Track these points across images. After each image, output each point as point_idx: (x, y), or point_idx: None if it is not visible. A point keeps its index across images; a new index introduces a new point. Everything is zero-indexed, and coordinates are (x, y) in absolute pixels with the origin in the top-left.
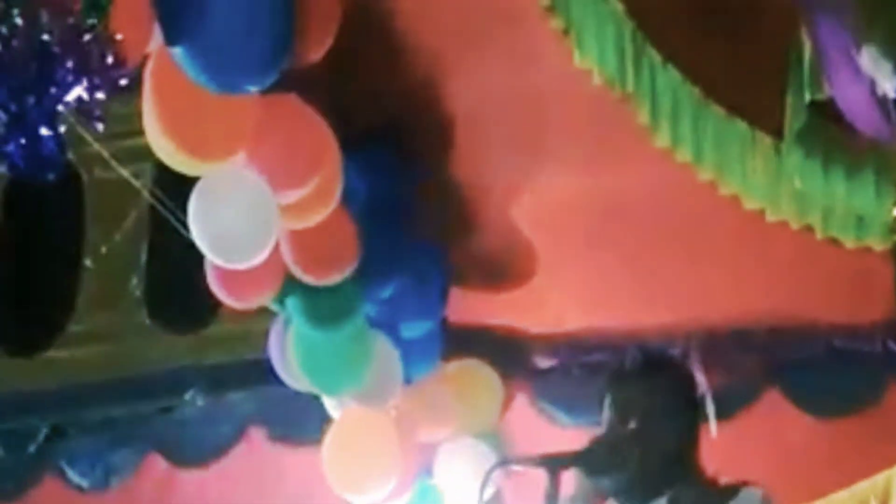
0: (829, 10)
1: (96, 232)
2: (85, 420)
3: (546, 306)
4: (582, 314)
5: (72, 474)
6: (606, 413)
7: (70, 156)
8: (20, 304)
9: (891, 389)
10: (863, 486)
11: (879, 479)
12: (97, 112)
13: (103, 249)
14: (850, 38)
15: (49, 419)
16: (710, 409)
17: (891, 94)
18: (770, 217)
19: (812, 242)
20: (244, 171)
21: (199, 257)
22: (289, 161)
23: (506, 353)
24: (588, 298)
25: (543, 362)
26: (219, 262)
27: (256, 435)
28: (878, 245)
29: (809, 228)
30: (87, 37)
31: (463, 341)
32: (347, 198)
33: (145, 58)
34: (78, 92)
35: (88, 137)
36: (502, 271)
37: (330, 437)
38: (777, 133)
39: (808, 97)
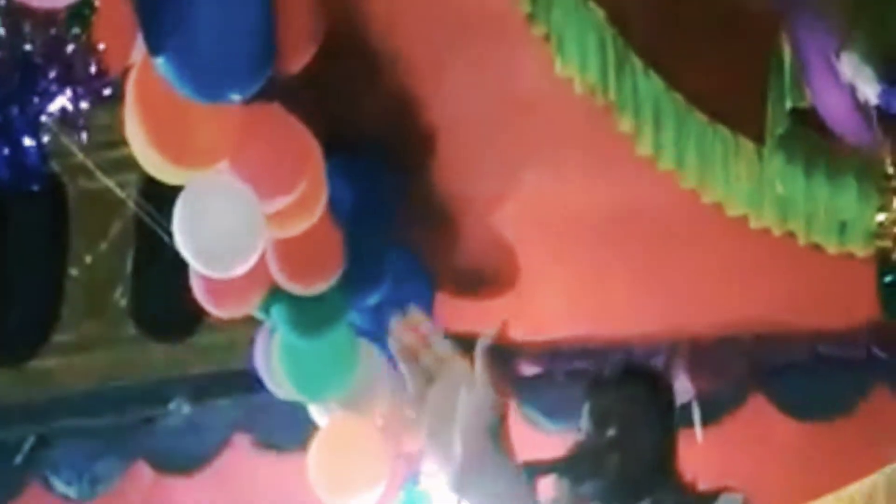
0: (809, 17)
1: (81, 242)
2: (70, 429)
3: (531, 314)
4: (566, 321)
5: (58, 484)
6: (585, 421)
7: (55, 166)
8: (4, 314)
9: (875, 394)
10: (849, 491)
11: (865, 482)
12: (81, 122)
13: (88, 259)
14: (830, 45)
15: (34, 429)
16: (696, 414)
17: (871, 101)
18: (753, 223)
19: (795, 248)
20: (229, 179)
21: (184, 267)
22: (273, 169)
23: (491, 359)
24: (572, 306)
25: (528, 369)
26: (204, 271)
27: (242, 443)
28: (861, 251)
29: (792, 234)
30: (69, 47)
31: None
32: (332, 206)
33: (128, 68)
34: (61, 102)
35: (72, 147)
36: (487, 279)
37: (316, 445)
38: (759, 139)
39: (789, 104)
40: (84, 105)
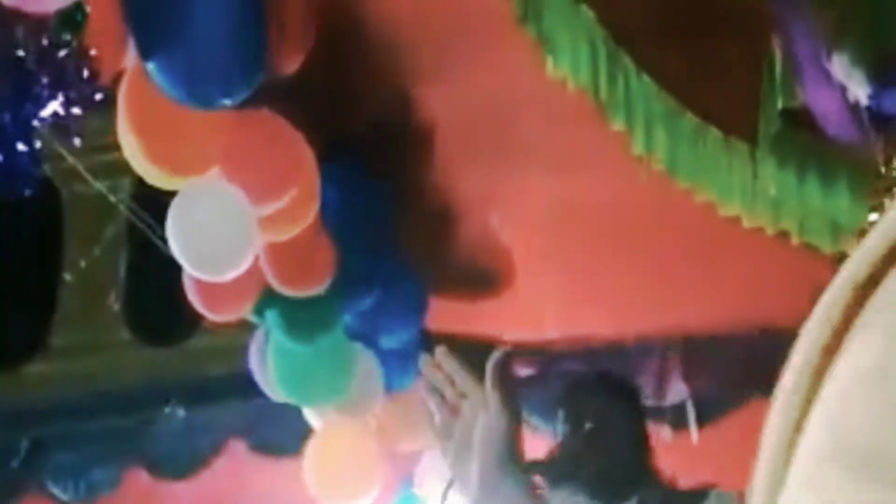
0: (800, 18)
1: (75, 246)
2: (66, 434)
3: (524, 315)
4: (560, 322)
5: (54, 489)
6: (561, 424)
7: (48, 170)
8: None
9: None
10: None
11: None
12: (73, 127)
13: (82, 264)
14: (821, 46)
15: (30, 434)
16: (691, 414)
17: (863, 102)
18: (746, 223)
19: (789, 248)
20: (221, 184)
21: (178, 271)
22: (265, 174)
23: (484, 361)
24: (566, 307)
25: (522, 370)
26: (198, 275)
27: (237, 447)
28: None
29: (785, 234)
30: (61, 53)
31: None
32: (324, 210)
33: (120, 73)
34: (53, 107)
35: (64, 152)
36: (480, 280)
37: (311, 449)
38: (752, 140)
39: (780, 104)
40: (76, 110)
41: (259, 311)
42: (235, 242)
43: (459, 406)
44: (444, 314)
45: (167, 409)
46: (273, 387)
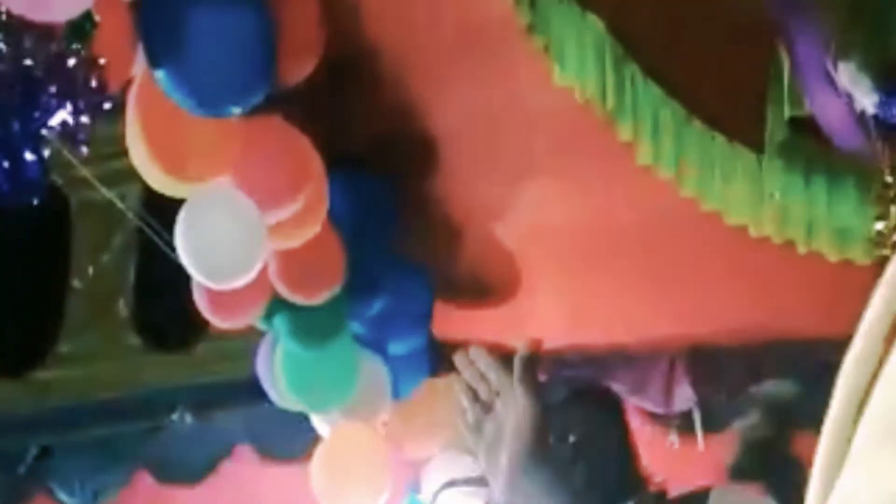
0: (806, 26)
1: (83, 253)
2: (73, 440)
3: (531, 322)
4: (567, 330)
5: (61, 494)
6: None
7: (57, 178)
8: (7, 326)
9: None
10: None
11: None
12: (81, 136)
13: (91, 270)
14: (827, 54)
15: (38, 440)
16: (698, 422)
17: (869, 110)
18: (753, 232)
19: (795, 257)
20: (231, 191)
21: (186, 277)
22: (274, 181)
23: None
24: (573, 314)
25: None
26: (207, 283)
27: (245, 453)
28: (861, 259)
29: (792, 243)
30: (70, 61)
31: (450, 357)
32: (333, 217)
33: (129, 81)
34: (62, 116)
35: (72, 159)
36: (487, 288)
37: (319, 455)
38: (759, 148)
39: (787, 112)
40: (84, 119)
41: (267, 317)
42: (244, 250)
43: (492, 403)
44: (452, 321)
45: (175, 416)
46: (280, 393)
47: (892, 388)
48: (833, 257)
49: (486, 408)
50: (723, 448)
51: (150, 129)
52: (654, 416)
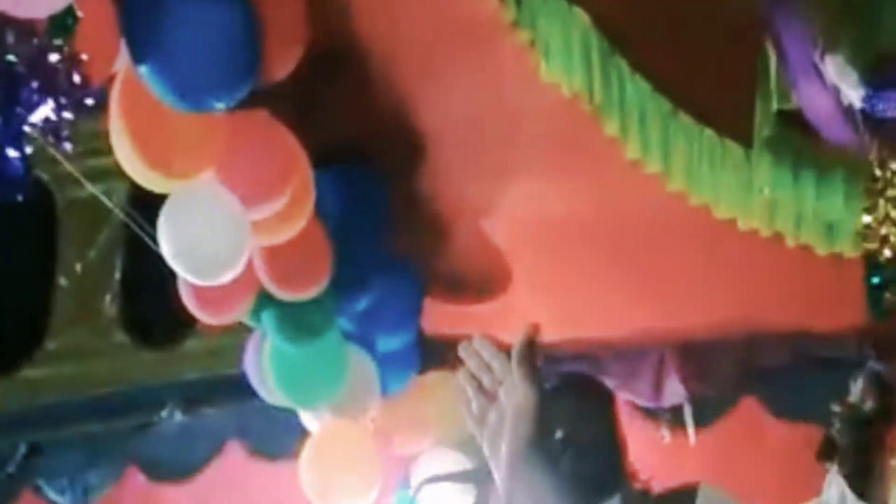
0: (793, 20)
1: (70, 250)
2: (62, 438)
3: (521, 318)
4: (556, 325)
5: (50, 492)
6: None
7: (42, 175)
8: None
9: None
10: None
11: None
12: (64, 132)
13: (77, 267)
14: (814, 48)
15: (26, 437)
16: (688, 416)
17: (856, 104)
18: (741, 226)
19: (784, 250)
20: (215, 187)
21: (173, 274)
22: (259, 177)
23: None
24: (562, 309)
25: None
26: (191, 278)
27: (234, 449)
28: (849, 252)
29: (781, 236)
30: (52, 57)
31: (439, 353)
32: (320, 212)
33: (112, 77)
34: (44, 112)
35: (58, 156)
36: (476, 283)
37: (307, 451)
38: (747, 142)
39: (775, 106)
40: (67, 115)
41: (254, 314)
42: (228, 246)
43: (496, 392)
44: (441, 317)
45: (164, 412)
46: (269, 389)
47: None
48: (822, 250)
49: (490, 397)
50: (712, 444)
51: (134, 124)
52: (645, 411)
